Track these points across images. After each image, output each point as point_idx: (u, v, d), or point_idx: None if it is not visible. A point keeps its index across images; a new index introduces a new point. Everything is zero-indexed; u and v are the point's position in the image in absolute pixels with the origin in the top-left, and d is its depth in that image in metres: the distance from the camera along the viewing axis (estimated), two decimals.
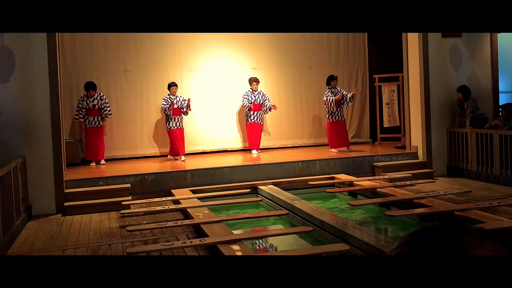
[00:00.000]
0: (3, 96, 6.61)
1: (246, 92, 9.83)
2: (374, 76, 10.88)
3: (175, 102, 9.05)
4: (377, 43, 11.12)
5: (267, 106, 9.74)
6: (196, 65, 10.04)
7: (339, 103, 9.51)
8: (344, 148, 9.44)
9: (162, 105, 9.13)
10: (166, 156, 9.69)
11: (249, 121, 9.76)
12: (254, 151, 9.70)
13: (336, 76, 9.80)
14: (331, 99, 9.44)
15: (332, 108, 9.48)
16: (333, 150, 9.41)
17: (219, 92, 10.03)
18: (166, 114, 9.18)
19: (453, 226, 0.77)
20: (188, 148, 9.85)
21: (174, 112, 9.11)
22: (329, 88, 9.61)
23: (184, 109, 9.22)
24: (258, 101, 9.76)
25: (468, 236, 0.74)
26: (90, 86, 8.93)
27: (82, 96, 8.97)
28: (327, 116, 9.63)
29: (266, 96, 9.88)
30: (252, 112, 9.70)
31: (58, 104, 6.88)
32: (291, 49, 10.55)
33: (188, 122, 9.69)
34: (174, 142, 9.12)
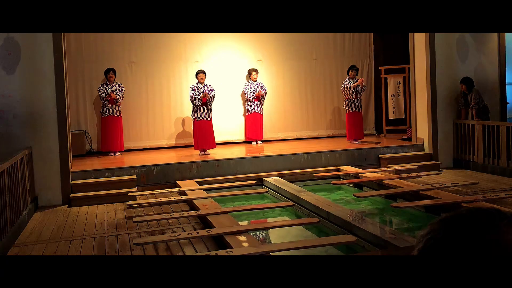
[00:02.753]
0: (10, 88, 6.62)
1: (246, 83, 9.89)
2: (379, 67, 10.83)
3: (202, 91, 8.57)
4: (382, 34, 11.05)
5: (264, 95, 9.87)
6: (201, 57, 10.02)
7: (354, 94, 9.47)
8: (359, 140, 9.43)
9: (190, 93, 8.66)
10: (172, 147, 9.71)
11: (250, 111, 9.82)
12: (254, 142, 9.79)
13: (357, 68, 9.77)
14: (348, 87, 9.41)
15: (352, 96, 9.42)
16: (353, 141, 9.37)
17: (223, 84, 10.01)
18: (193, 104, 8.65)
19: (487, 210, 0.73)
20: (191, 140, 9.84)
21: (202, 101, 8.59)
22: (348, 78, 9.57)
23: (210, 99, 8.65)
24: (257, 92, 9.81)
25: (505, 221, 0.70)
26: (111, 70, 8.97)
27: (101, 84, 8.99)
28: (345, 106, 9.60)
29: (264, 86, 9.90)
30: (255, 102, 9.77)
31: (63, 95, 6.88)
32: (296, 40, 10.50)
33: None
34: (199, 135, 8.61)
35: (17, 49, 6.64)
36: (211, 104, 8.69)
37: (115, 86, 8.97)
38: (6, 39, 6.60)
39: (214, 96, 8.72)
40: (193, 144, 9.58)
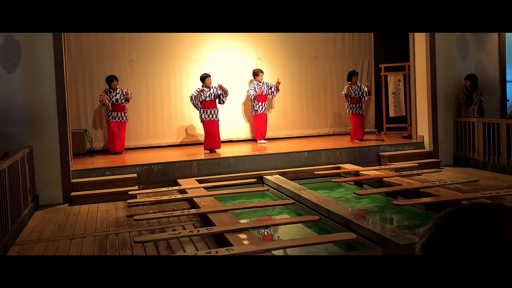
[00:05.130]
0: (10, 87, 6.62)
1: (253, 83, 9.85)
2: (380, 65, 10.82)
3: (208, 94, 8.59)
4: (383, 32, 11.04)
5: (274, 91, 9.85)
6: (201, 55, 10.02)
7: (356, 99, 9.51)
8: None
9: (193, 94, 8.68)
10: (172, 146, 9.73)
11: (258, 112, 9.78)
12: (262, 140, 9.77)
13: (358, 72, 9.82)
14: (342, 94, 9.59)
15: (346, 101, 9.62)
16: (356, 141, 9.40)
17: (223, 82, 9.99)
18: (193, 104, 8.70)
19: (491, 205, 0.73)
20: (193, 139, 9.87)
21: (205, 104, 8.62)
22: (349, 83, 9.59)
23: (220, 97, 8.69)
24: (264, 92, 9.80)
25: (509, 216, 0.70)
26: (115, 77, 8.97)
27: (105, 92, 8.96)
28: (347, 111, 9.70)
29: (269, 84, 9.90)
30: (259, 103, 9.75)
31: (64, 94, 6.89)
32: (296, 39, 10.50)
33: (195, 113, 9.69)
34: (206, 135, 8.62)
35: (17, 48, 6.64)
36: (223, 103, 8.79)
37: (119, 93, 8.97)
38: (6, 37, 6.61)
39: (226, 91, 8.77)
40: (194, 142, 9.72)
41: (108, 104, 8.86)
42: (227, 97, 8.85)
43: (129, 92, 8.99)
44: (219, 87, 8.69)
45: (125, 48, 9.62)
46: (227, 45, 10.12)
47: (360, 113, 9.57)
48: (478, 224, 0.70)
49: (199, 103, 8.63)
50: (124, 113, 9.06)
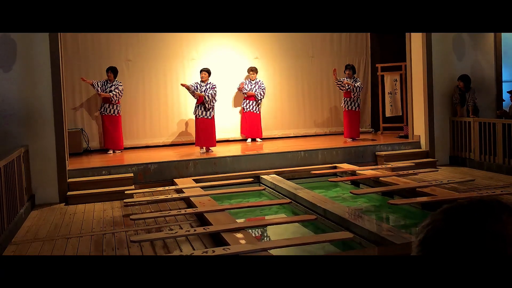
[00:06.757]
0: (6, 86, 6.60)
1: (244, 80, 9.92)
2: (376, 65, 10.84)
3: (204, 89, 8.43)
4: (379, 32, 11.06)
5: (257, 95, 9.79)
6: (198, 54, 10.01)
7: (347, 93, 9.51)
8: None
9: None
10: (169, 145, 9.72)
11: (245, 110, 9.86)
12: (248, 140, 9.83)
13: (350, 66, 9.77)
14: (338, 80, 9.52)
15: (342, 88, 9.52)
16: (347, 139, 9.41)
17: (220, 82, 9.99)
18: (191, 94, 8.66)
19: (488, 201, 0.73)
20: (189, 138, 9.85)
21: (201, 99, 8.52)
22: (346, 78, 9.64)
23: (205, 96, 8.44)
24: (253, 91, 9.81)
25: (506, 212, 0.71)
26: (110, 69, 8.95)
27: (104, 81, 8.99)
28: (342, 104, 9.71)
29: (262, 86, 9.84)
30: (246, 101, 9.78)
31: (60, 93, 6.87)
32: (293, 38, 10.51)
33: (190, 112, 9.68)
34: (198, 132, 8.56)
35: (13, 47, 6.62)
36: (209, 104, 8.44)
37: (114, 85, 8.95)
38: (2, 36, 6.58)
39: (212, 96, 8.45)
40: (190, 141, 9.70)
41: (95, 85, 8.85)
42: (210, 102, 8.53)
43: (114, 94, 8.85)
44: (211, 88, 8.51)
45: (122, 48, 9.60)
46: (224, 44, 10.12)
47: (353, 109, 9.52)
48: (476, 220, 0.71)
49: (194, 96, 8.61)
50: (116, 106, 8.99)
